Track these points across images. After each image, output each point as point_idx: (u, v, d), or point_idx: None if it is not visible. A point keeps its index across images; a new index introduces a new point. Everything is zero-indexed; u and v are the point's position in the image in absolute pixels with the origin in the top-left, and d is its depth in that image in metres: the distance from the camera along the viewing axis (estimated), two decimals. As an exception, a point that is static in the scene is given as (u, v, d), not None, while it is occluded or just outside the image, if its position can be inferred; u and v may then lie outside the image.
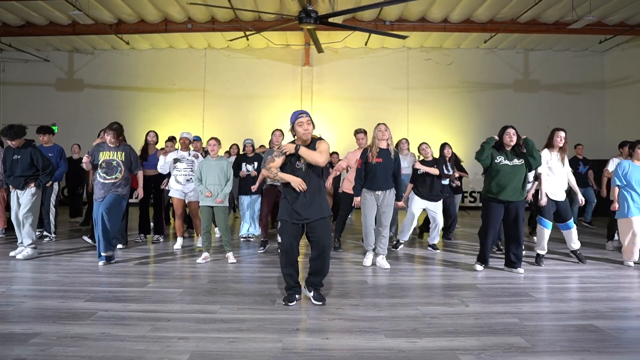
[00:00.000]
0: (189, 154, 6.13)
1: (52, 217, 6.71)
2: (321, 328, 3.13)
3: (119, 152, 5.24)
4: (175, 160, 6.07)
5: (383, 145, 5.17)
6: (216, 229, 6.96)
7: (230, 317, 3.32)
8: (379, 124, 5.26)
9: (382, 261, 5.22)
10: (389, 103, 13.61)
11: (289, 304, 3.65)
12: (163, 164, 6.14)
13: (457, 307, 3.64)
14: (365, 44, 13.17)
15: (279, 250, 4.00)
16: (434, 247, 6.29)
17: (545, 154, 5.37)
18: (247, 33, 10.26)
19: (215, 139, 5.53)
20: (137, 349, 2.73)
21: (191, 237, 7.21)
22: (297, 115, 3.72)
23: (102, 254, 5.04)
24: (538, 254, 5.45)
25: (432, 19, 11.34)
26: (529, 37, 12.54)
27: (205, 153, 7.42)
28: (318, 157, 3.61)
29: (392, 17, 11.27)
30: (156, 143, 6.88)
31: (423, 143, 6.39)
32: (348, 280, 4.55)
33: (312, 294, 3.73)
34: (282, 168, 3.77)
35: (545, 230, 5.37)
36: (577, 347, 2.80)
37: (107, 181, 5.14)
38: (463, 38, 12.86)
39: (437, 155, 6.68)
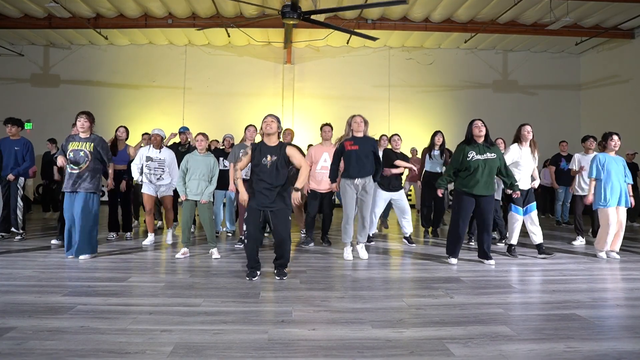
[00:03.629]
0: (160, 152, 5.96)
1: (19, 213, 6.41)
2: (307, 319, 3.09)
3: (87, 143, 5.06)
4: (148, 159, 5.92)
5: (359, 135, 5.22)
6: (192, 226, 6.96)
7: (214, 310, 3.25)
8: (354, 116, 5.26)
9: (361, 250, 5.27)
10: (371, 101, 13.68)
11: (252, 279, 4.17)
12: (138, 163, 5.98)
13: (442, 299, 3.65)
14: (347, 43, 13.20)
15: (243, 236, 4.29)
16: (409, 240, 6.31)
17: (514, 148, 5.53)
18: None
19: (203, 134, 5.44)
20: (118, 341, 2.65)
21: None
22: (265, 117, 4.28)
23: (81, 257, 4.98)
24: (510, 245, 5.58)
25: (413, 18, 11.44)
26: (508, 37, 12.77)
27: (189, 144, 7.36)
28: (305, 174, 4.23)
29: (373, 15, 11.32)
30: (126, 139, 6.73)
31: (395, 134, 6.46)
32: (332, 274, 4.53)
33: (275, 271, 4.33)
34: (251, 163, 4.28)
35: (518, 217, 5.49)
36: (561, 335, 2.83)
37: (73, 171, 4.97)
38: (443, 38, 13.00)
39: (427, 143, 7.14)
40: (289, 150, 4.21)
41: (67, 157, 5.01)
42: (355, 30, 9.41)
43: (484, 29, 11.57)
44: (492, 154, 4.93)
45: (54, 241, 6.01)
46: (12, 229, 6.45)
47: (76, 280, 4.10)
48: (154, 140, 5.95)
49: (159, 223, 7.62)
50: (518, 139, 5.59)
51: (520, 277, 4.52)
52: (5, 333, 2.73)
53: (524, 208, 5.57)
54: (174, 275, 4.39)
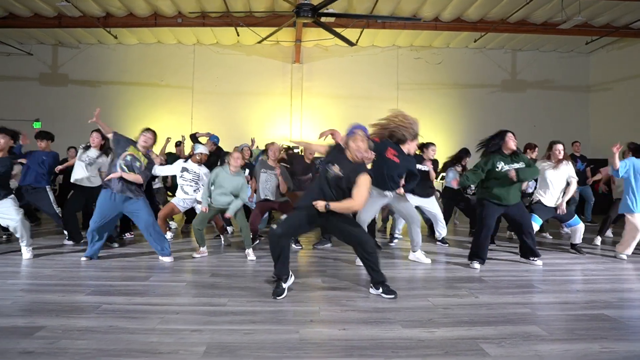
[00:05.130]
0: (199, 167, 6.05)
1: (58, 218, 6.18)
2: (336, 319, 3.08)
3: (144, 157, 4.92)
4: (183, 169, 6.01)
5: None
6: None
7: (241, 310, 3.24)
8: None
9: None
10: (379, 101, 13.60)
11: (277, 296, 3.57)
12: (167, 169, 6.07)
13: (467, 298, 3.62)
14: (356, 42, 13.13)
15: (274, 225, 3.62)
16: (443, 241, 6.29)
17: (543, 166, 5.51)
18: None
19: (240, 150, 5.36)
20: (149, 341, 2.63)
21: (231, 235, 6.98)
22: (353, 129, 3.66)
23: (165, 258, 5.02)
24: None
25: (423, 17, 11.37)
26: (517, 37, 12.68)
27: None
28: (349, 205, 3.48)
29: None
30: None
31: (431, 144, 6.29)
32: (353, 273, 4.50)
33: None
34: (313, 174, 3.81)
35: (535, 225, 5.44)
36: (594, 335, 2.80)
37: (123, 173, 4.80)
38: (452, 37, 12.94)
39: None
40: (362, 179, 3.43)
41: (124, 156, 4.79)
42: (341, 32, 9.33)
43: (494, 28, 11.50)
44: (520, 163, 4.77)
45: (66, 242, 5.95)
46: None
47: (97, 280, 4.09)
48: (199, 156, 6.06)
49: (173, 223, 7.57)
50: (549, 157, 5.55)
51: (542, 277, 4.48)
52: (36, 332, 2.72)
53: (566, 223, 5.75)
54: (195, 274, 4.38)
